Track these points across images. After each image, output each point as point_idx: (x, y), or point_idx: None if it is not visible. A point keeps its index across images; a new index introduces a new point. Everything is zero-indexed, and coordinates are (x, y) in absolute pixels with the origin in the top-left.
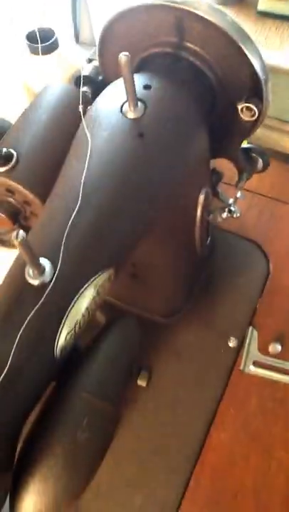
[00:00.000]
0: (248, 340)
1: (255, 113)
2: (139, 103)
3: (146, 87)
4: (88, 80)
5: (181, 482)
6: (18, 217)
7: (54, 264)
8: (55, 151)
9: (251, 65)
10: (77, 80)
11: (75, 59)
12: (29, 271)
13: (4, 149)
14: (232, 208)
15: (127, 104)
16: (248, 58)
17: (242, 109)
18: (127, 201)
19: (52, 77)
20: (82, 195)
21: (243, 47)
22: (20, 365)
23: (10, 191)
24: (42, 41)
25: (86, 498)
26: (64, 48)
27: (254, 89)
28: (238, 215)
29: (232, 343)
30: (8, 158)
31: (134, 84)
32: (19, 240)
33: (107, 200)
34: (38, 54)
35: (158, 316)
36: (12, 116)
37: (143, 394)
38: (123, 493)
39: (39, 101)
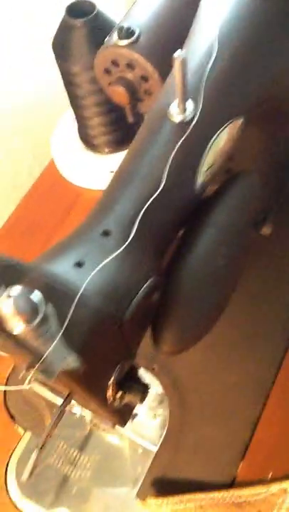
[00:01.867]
0: None
1: None
2: None
3: None
4: None
5: (275, 361)
6: (134, 93)
7: (195, 105)
8: (175, 29)
9: None
10: None
11: None
12: (172, 109)
13: (126, 24)
14: None
15: None
16: None
17: None
18: (255, 55)
19: None
20: (217, 46)
21: None
22: (168, 189)
23: (130, 66)
24: None
25: (182, 374)
26: None
27: None
28: None
29: None
30: (130, 33)
31: None
32: (179, 59)
33: (238, 52)
34: None
35: None
36: None
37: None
38: (218, 371)
39: None
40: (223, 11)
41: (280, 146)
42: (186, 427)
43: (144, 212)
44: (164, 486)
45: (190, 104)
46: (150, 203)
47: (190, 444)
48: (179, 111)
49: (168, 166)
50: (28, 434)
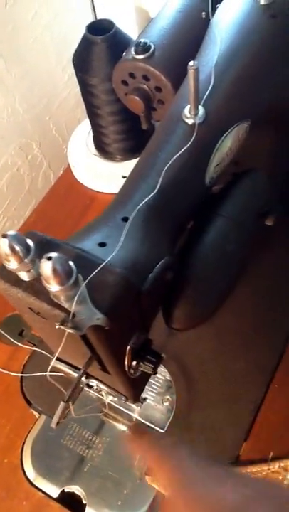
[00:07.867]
0: None
1: None
2: None
3: None
4: None
5: (278, 348)
6: (149, 102)
7: (205, 110)
8: (187, 45)
9: None
10: None
11: None
12: (185, 113)
13: (143, 40)
14: None
15: None
16: None
17: None
18: (262, 69)
19: None
20: (224, 57)
21: None
22: (182, 181)
23: (146, 78)
24: None
25: (189, 362)
26: None
27: None
28: None
29: None
30: (146, 48)
31: None
32: (193, 68)
33: (246, 64)
34: None
35: None
36: None
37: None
38: (225, 359)
39: (171, 3)
40: (232, 27)
41: (285, 146)
42: (193, 409)
43: (160, 201)
44: None
45: (201, 109)
46: (165, 194)
47: (196, 424)
48: (192, 115)
49: (182, 162)
50: (42, 418)
